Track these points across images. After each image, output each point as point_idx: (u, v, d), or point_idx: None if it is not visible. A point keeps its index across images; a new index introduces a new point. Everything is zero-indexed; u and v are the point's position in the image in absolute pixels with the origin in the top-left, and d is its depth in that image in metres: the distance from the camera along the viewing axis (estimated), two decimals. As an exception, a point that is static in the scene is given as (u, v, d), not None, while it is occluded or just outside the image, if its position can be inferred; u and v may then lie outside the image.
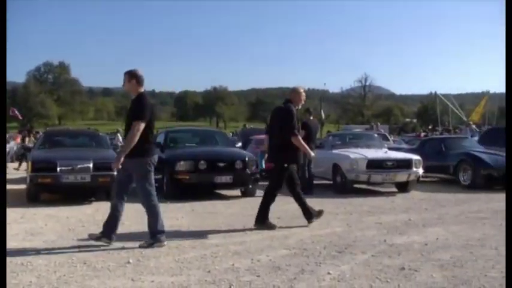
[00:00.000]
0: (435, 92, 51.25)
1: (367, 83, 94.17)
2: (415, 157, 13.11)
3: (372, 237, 7.30)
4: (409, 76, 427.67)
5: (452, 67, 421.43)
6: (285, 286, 4.95)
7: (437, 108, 48.64)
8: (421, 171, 13.11)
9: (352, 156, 12.62)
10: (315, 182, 13.25)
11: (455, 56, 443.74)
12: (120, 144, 26.43)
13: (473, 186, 13.65)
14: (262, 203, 8.16)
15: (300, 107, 8.58)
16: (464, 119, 44.54)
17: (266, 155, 9.16)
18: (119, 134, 28.59)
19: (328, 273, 5.36)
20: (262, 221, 8.04)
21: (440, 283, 5.00)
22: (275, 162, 8.17)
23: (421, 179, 13.94)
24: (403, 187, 13.05)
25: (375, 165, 12.47)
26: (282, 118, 8.18)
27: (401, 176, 12.69)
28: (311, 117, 13.44)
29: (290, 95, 8.50)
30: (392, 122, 75.95)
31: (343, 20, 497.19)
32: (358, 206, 10.45)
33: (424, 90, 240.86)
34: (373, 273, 5.36)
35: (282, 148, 8.07)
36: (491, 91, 72.11)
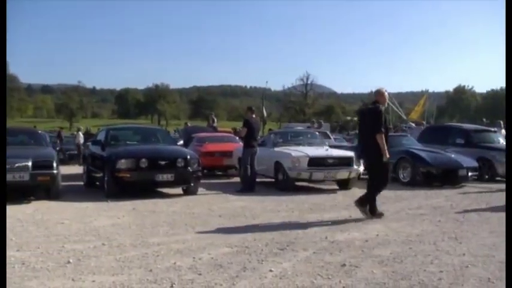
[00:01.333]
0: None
1: (309, 82, 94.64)
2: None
3: (314, 234, 7.35)
4: (351, 75, 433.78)
5: (392, 66, 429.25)
6: (227, 284, 4.93)
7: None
8: (362, 168, 13.27)
9: (293, 154, 12.68)
10: (257, 179, 13.28)
11: (395, 55, 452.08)
12: (80, 143, 25.94)
13: (413, 184, 13.94)
14: (368, 197, 8.90)
15: (386, 105, 9.48)
16: (404, 117, 45.48)
17: None
18: (80, 133, 28.09)
19: (270, 270, 5.37)
20: (374, 211, 8.83)
21: (381, 278, 5.07)
22: (374, 159, 8.73)
23: (362, 176, 14.11)
24: (344, 184, 13.20)
25: (316, 163, 12.56)
26: (372, 117, 8.75)
27: (343, 174, 12.83)
28: (253, 116, 13.46)
29: (376, 96, 9.14)
30: (334, 120, 76.65)
31: (286, 19, 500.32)
32: (300, 204, 10.50)
33: (365, 89, 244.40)
34: (314, 270, 5.40)
35: (377, 146, 8.55)
36: (430, 90, 73.84)
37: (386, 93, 9.31)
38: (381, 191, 9.04)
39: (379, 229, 7.73)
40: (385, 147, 8.62)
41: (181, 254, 6.13)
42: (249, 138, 12.96)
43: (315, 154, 12.78)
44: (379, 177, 8.86)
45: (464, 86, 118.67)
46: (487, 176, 15.60)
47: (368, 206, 8.84)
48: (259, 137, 15.12)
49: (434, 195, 11.92)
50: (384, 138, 8.58)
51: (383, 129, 8.59)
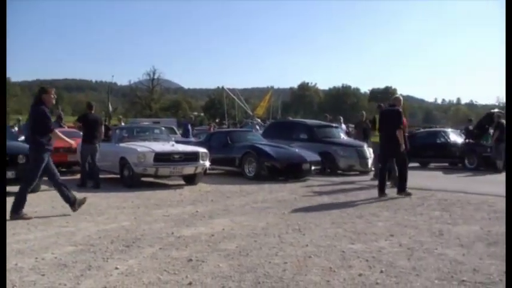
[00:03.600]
0: (222, 87, 52.71)
1: (156, 77, 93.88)
2: (202, 150, 13.36)
3: (160, 230, 7.30)
4: (198, 70, 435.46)
5: (238, 62, 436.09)
6: (71, 284, 4.76)
7: (224, 102, 50.00)
8: (207, 163, 13.37)
9: (139, 149, 12.51)
10: (102, 176, 12.99)
11: (241, 52, 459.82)
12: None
13: (258, 178, 14.24)
14: (400, 176, 11.10)
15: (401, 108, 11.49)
16: (250, 113, 46.35)
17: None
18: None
19: (116, 268, 5.26)
20: (402, 188, 10.99)
21: (227, 272, 5.13)
22: (396, 150, 10.99)
23: (208, 171, 14.22)
24: (190, 180, 13.23)
25: (162, 158, 12.47)
26: (393, 117, 11.04)
27: (189, 169, 12.85)
28: (91, 112, 13.12)
29: (394, 101, 11.74)
30: (181, 116, 76.61)
31: (133, 13, 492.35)
32: (146, 200, 10.39)
33: (212, 85, 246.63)
34: (161, 266, 5.36)
35: (398, 140, 10.83)
36: (276, 86, 75.87)
37: (401, 98, 11.91)
38: (405, 172, 11.06)
39: (225, 223, 7.81)
40: (403, 141, 10.94)
41: (22, 255, 5.83)
42: (87, 134, 12.69)
43: (160, 149, 12.69)
44: (402, 161, 11.10)
45: (308, 83, 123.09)
46: (329, 170, 16.30)
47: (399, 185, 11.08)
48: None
49: (278, 189, 12.26)
50: (402, 134, 10.95)
51: (401, 127, 10.99)
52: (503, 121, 19.09)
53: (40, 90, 8.71)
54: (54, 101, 8.82)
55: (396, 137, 10.82)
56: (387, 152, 11.37)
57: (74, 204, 8.63)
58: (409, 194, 10.84)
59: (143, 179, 12.86)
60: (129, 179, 12.59)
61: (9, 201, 8.11)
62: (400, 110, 11.28)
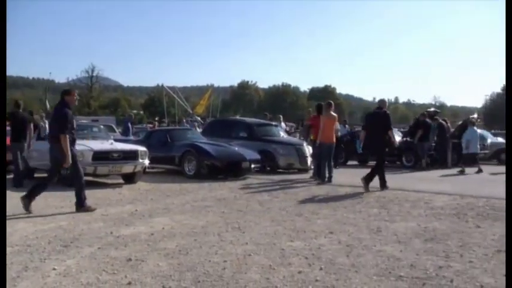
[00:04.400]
0: (162, 84, 52.28)
1: (95, 74, 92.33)
2: (141, 148, 13.26)
3: (99, 229, 7.22)
4: (138, 68, 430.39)
5: (178, 60, 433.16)
6: (8, 285, 4.66)
7: (163, 100, 49.61)
8: (147, 162, 13.29)
9: (77, 148, 12.30)
10: (40, 175, 12.75)
11: (182, 50, 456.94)
12: None
13: (198, 176, 14.23)
14: (376, 172, 12.00)
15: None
16: (190, 111, 46.14)
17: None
18: None
19: (54, 268, 5.18)
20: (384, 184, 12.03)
21: (167, 271, 5.12)
22: (379, 149, 12.27)
23: (148, 170, 14.13)
24: (129, 178, 13.13)
25: (101, 156, 12.33)
26: (382, 119, 12.02)
27: (128, 168, 12.74)
28: (19, 110, 12.87)
29: (380, 103, 12.69)
30: (120, 114, 75.59)
31: (72, 9, 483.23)
32: (85, 199, 10.24)
33: (151, 83, 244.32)
34: (100, 265, 5.30)
35: (384, 140, 12.08)
36: (216, 84, 75.73)
37: (386, 100, 13.26)
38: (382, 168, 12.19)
39: (164, 222, 7.79)
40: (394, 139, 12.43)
41: (-47, 257, 5.69)
42: (15, 133, 12.47)
43: (99, 148, 12.53)
44: (381, 159, 12.30)
45: (248, 82, 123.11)
46: (269, 168, 16.40)
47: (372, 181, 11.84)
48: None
49: (218, 187, 12.28)
50: (391, 134, 12.17)
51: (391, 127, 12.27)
52: (429, 120, 19.85)
53: (63, 92, 9.32)
54: (76, 102, 9.57)
55: (381, 137, 11.99)
56: (370, 150, 12.99)
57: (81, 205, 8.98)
58: (386, 187, 11.93)
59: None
60: (68, 178, 12.35)
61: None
62: (388, 112, 12.35)
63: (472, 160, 18.17)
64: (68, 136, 8.81)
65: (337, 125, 18.55)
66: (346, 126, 25.07)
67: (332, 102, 14.39)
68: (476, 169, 17.35)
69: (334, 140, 13.93)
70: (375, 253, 5.92)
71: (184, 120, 34.94)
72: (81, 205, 8.93)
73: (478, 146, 18.59)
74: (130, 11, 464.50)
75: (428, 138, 19.67)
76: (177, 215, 8.46)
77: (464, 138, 18.59)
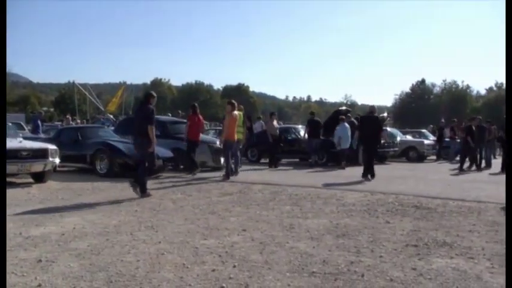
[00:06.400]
0: (73, 81, 51.13)
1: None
2: (52, 147, 12.96)
3: (8, 230, 7.00)
4: (48, 64, 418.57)
5: (91, 57, 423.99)
6: None
7: (75, 98, 48.59)
8: (57, 160, 13.00)
9: (-16, 146, 11.92)
10: None
11: (95, 46, 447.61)
12: None
13: (110, 175, 14.05)
14: (368, 164, 14.87)
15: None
16: (102, 108, 45.43)
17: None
18: None
19: (-42, 272, 5.01)
20: (367, 173, 14.70)
21: (78, 272, 5.03)
22: (373, 146, 15.34)
23: (58, 168, 13.80)
24: (39, 177, 12.81)
25: (9, 155, 11.92)
26: (373, 122, 15.04)
27: (37, 166, 12.42)
28: None
29: (371, 109, 15.66)
30: (29, 111, 73.38)
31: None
32: (-8, 199, 9.91)
33: (62, 79, 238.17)
34: (8, 268, 5.14)
35: (378, 139, 15.73)
36: (128, 82, 74.77)
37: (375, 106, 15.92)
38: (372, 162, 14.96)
39: (75, 222, 7.66)
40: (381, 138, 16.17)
41: None
42: None
43: (8, 146, 12.12)
44: (373, 154, 15.32)
45: (161, 79, 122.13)
46: (182, 166, 16.35)
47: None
48: None
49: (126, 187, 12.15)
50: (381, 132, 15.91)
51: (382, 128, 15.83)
52: (317, 119, 20.69)
53: (148, 95, 11.37)
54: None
55: (375, 136, 15.13)
56: (366, 147, 15.67)
57: (136, 189, 10.56)
58: (373, 176, 14.53)
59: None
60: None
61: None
62: (377, 116, 15.59)
63: (343, 156, 19.57)
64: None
65: (275, 124, 19.07)
66: (262, 122, 25.30)
67: (234, 102, 14.93)
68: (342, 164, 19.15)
69: (236, 137, 14.50)
70: (287, 250, 6.03)
71: (102, 118, 34.38)
72: (144, 191, 10.53)
73: (349, 142, 19.83)
74: (40, 5, 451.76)
75: (319, 135, 20.24)
76: (88, 215, 8.32)
77: (335, 135, 19.69)
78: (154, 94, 11.65)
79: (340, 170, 18.10)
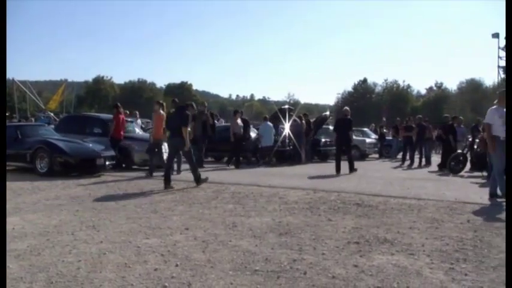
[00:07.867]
0: (13, 78, 49.94)
1: None
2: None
3: None
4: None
5: (31, 53, 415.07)
6: None
7: (14, 95, 47.47)
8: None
9: None
10: None
11: (34, 41, 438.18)
12: None
13: (50, 174, 13.83)
14: (350, 159, 17.03)
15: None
16: (42, 106, 44.52)
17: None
18: None
19: None
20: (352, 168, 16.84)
21: (17, 273, 4.95)
22: (348, 144, 17.13)
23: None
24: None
25: None
26: (347, 124, 16.87)
27: None
28: None
29: (345, 112, 17.41)
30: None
31: None
32: None
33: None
34: None
35: (350, 137, 17.20)
36: (70, 79, 73.45)
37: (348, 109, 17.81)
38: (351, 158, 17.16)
39: (15, 222, 7.52)
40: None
41: None
42: None
43: None
44: (350, 151, 17.33)
45: (103, 77, 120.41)
46: (124, 165, 16.21)
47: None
48: None
49: (72, 185, 11.99)
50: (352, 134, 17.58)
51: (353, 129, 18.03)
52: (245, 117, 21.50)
53: (189, 104, 13.79)
54: None
55: (348, 136, 16.83)
56: (340, 146, 17.12)
57: (198, 181, 12.25)
58: (355, 170, 16.59)
59: None
60: None
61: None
62: (351, 118, 17.23)
63: (266, 152, 20.55)
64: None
65: (239, 122, 19.19)
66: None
67: (162, 102, 15.67)
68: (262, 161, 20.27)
69: (163, 136, 14.69)
70: (230, 248, 6.04)
71: (42, 116, 33.70)
72: (168, 183, 11.90)
73: (272, 139, 20.78)
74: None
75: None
76: (28, 214, 8.18)
77: (259, 132, 20.92)
78: (195, 106, 14.25)
79: (265, 165, 19.50)
